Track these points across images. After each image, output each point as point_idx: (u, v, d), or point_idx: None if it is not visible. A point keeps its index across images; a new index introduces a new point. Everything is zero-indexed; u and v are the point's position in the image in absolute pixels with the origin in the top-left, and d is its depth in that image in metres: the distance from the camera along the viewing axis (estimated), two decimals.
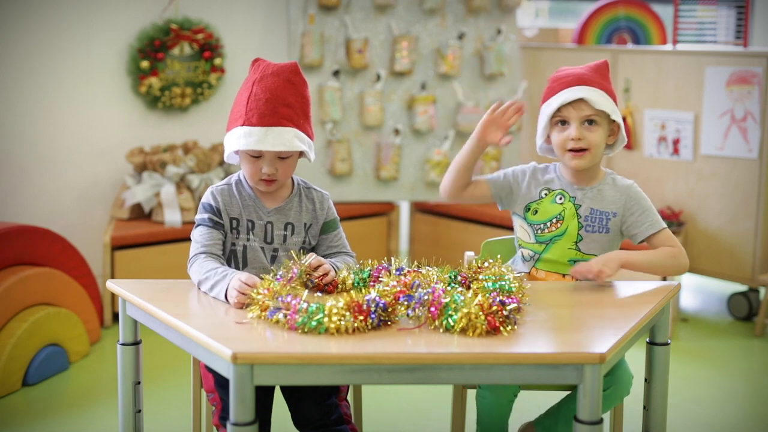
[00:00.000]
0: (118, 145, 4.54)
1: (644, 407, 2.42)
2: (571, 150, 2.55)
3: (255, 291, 2.18)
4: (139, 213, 4.44)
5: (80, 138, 4.46)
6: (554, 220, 2.60)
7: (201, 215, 2.48)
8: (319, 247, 2.57)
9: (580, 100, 2.53)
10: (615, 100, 2.59)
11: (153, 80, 4.51)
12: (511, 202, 2.67)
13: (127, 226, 4.30)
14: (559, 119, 2.57)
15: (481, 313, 2.05)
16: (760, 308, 4.25)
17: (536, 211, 2.62)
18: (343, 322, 2.04)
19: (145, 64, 4.48)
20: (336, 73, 4.82)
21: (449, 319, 2.06)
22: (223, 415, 2.41)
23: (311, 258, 2.34)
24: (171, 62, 4.57)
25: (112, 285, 2.42)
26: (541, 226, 2.60)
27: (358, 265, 2.50)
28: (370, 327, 2.07)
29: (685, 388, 3.61)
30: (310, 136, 2.47)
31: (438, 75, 4.98)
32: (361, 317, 2.06)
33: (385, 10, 4.89)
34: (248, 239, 2.48)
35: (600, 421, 1.98)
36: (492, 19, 5.05)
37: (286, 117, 2.41)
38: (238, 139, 2.40)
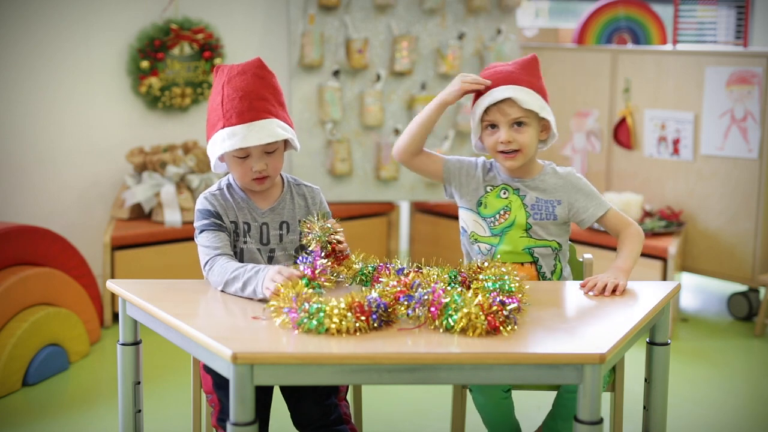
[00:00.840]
0: (118, 145, 4.54)
1: (644, 407, 2.42)
2: (502, 152, 2.58)
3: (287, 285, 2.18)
4: (139, 213, 4.44)
5: (80, 138, 4.46)
6: (502, 212, 2.63)
7: (202, 221, 2.45)
8: None
9: (508, 100, 2.55)
10: (544, 96, 2.61)
11: (153, 80, 4.51)
12: (458, 191, 2.69)
13: (127, 226, 4.30)
14: (488, 123, 2.60)
15: (481, 313, 2.05)
16: (760, 308, 4.25)
17: (486, 205, 2.65)
18: (344, 323, 2.04)
19: (145, 64, 4.48)
20: (336, 73, 4.82)
21: (449, 319, 2.06)
22: (221, 417, 2.41)
23: (333, 222, 2.36)
24: (171, 62, 4.57)
25: (112, 285, 2.42)
26: (492, 219, 2.63)
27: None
28: (371, 327, 2.07)
29: (685, 388, 3.61)
30: (290, 125, 2.47)
31: (438, 75, 4.97)
32: (363, 318, 2.06)
33: (385, 10, 4.89)
34: (245, 242, 2.48)
35: (600, 421, 1.98)
36: (492, 19, 5.05)
37: (263, 110, 2.42)
38: (222, 142, 2.39)
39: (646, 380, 2.41)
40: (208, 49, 4.64)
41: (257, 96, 2.42)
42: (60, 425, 3.22)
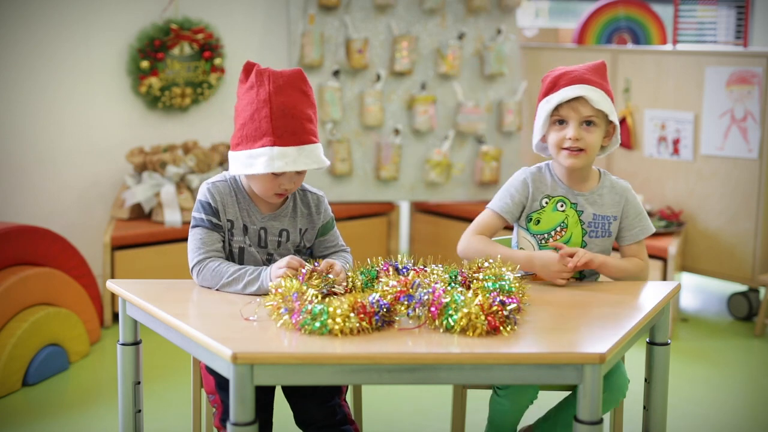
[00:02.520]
0: (118, 145, 4.54)
1: (644, 407, 2.43)
2: (567, 149, 2.54)
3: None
4: (139, 213, 4.44)
5: (80, 138, 4.46)
6: (558, 229, 2.58)
7: (199, 214, 2.44)
8: (316, 249, 2.56)
9: (580, 99, 2.51)
10: (613, 101, 2.58)
11: (153, 80, 4.51)
12: (520, 217, 2.63)
13: (127, 226, 4.30)
14: (557, 118, 2.55)
15: (481, 313, 2.05)
16: (760, 308, 4.25)
17: (539, 221, 2.59)
18: (347, 324, 2.04)
19: (145, 64, 4.48)
20: (336, 73, 4.82)
21: (449, 319, 2.06)
22: (224, 417, 2.40)
23: (326, 265, 2.33)
24: (171, 62, 4.57)
25: (112, 285, 2.42)
26: (545, 235, 2.58)
27: (350, 260, 2.51)
28: (374, 328, 2.07)
29: (685, 388, 3.61)
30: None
31: (438, 75, 4.97)
32: (366, 318, 2.06)
33: (385, 10, 4.89)
34: (244, 242, 2.47)
35: (600, 421, 1.98)
36: (492, 19, 5.05)
37: (312, 133, 2.39)
38: (272, 161, 2.32)
39: (646, 380, 2.41)
40: (208, 49, 4.64)
41: (307, 117, 2.38)
42: (60, 425, 3.22)
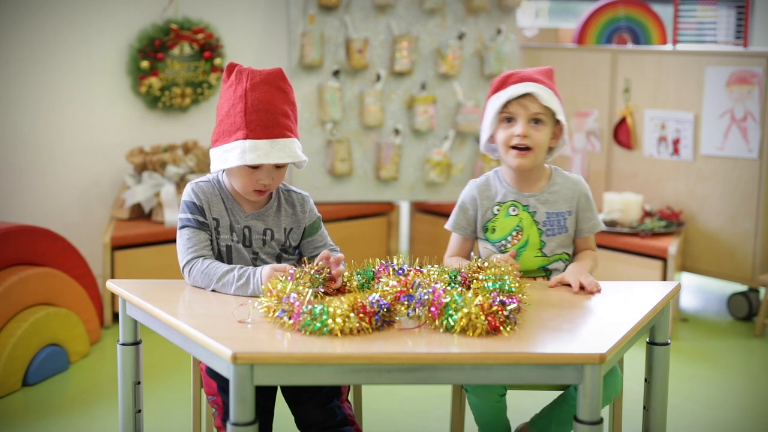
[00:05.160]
0: (118, 145, 4.54)
1: (644, 407, 2.43)
2: (515, 147, 2.56)
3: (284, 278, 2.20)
4: (139, 213, 4.44)
5: (80, 138, 4.46)
6: (514, 233, 2.61)
7: (185, 214, 2.46)
8: (305, 249, 2.56)
9: (528, 96, 2.55)
10: (561, 104, 2.62)
11: (153, 80, 4.51)
12: (476, 230, 2.68)
13: (127, 226, 4.30)
14: (506, 116, 2.58)
15: (481, 313, 2.05)
16: (760, 308, 4.25)
17: (494, 230, 2.63)
18: (347, 324, 2.04)
19: (145, 64, 4.48)
20: (336, 73, 4.82)
21: (449, 319, 2.06)
22: (225, 417, 2.40)
23: (323, 257, 2.34)
24: (171, 62, 4.57)
25: (112, 285, 2.42)
26: (503, 242, 2.61)
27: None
28: (373, 328, 2.07)
29: (686, 388, 3.61)
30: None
31: (438, 75, 4.98)
32: (366, 318, 2.06)
33: (385, 10, 4.89)
34: (231, 239, 2.48)
35: (600, 421, 1.98)
36: (492, 19, 5.05)
37: (287, 128, 2.41)
38: (243, 154, 2.36)
39: (646, 380, 2.41)
40: (208, 49, 4.64)
41: (282, 112, 2.41)
42: (60, 425, 3.22)
